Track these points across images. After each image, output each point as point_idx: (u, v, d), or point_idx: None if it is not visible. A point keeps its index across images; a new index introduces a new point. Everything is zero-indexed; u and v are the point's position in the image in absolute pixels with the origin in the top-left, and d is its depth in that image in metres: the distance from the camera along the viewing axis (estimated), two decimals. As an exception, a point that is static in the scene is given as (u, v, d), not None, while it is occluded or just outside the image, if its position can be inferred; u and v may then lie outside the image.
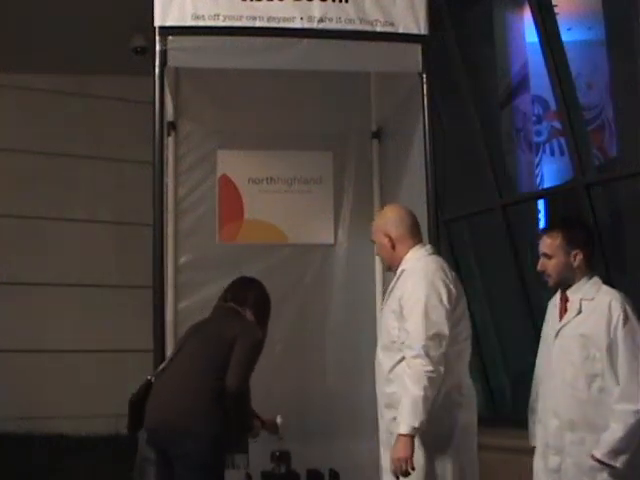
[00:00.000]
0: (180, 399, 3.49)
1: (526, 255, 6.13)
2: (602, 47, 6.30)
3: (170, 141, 4.42)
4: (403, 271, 3.51)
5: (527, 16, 6.51)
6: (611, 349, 3.18)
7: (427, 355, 3.24)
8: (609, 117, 6.51)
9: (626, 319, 3.19)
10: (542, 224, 6.73)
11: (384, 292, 4.49)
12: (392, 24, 3.92)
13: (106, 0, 6.90)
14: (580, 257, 3.33)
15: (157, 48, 3.77)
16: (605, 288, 3.33)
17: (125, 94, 8.49)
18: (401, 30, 3.93)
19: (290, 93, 4.53)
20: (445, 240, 6.74)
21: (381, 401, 3.50)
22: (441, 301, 3.34)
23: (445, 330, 3.31)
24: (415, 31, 3.95)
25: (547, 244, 3.39)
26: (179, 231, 4.47)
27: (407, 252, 3.53)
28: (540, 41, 5.90)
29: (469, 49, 6.80)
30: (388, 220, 3.59)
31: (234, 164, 4.56)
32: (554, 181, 7.10)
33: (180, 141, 4.52)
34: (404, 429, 3.19)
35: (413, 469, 3.20)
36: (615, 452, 3.12)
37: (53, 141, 8.55)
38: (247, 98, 4.54)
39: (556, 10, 5.97)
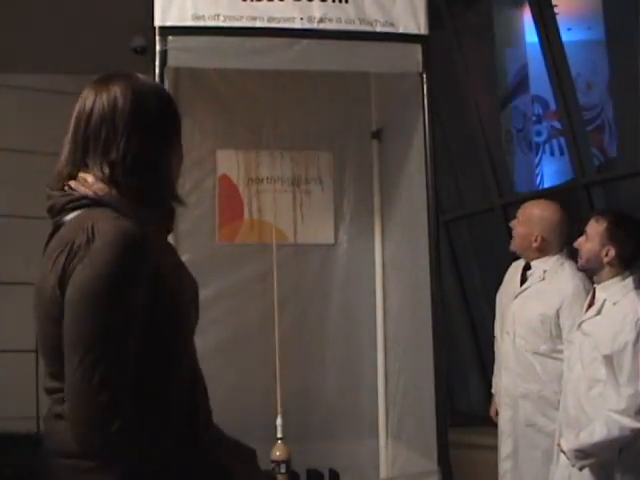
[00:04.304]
0: None
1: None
2: (602, 47, 6.30)
3: (170, 141, 4.41)
4: (545, 271, 3.77)
5: (527, 16, 6.51)
6: (612, 360, 3.05)
7: None
8: (609, 117, 6.50)
9: (637, 339, 3.03)
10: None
11: (384, 292, 4.52)
12: (392, 24, 3.92)
13: (106, 0, 6.90)
14: (612, 254, 3.18)
15: (157, 48, 3.75)
16: (630, 297, 3.15)
17: (125, 94, 8.48)
18: (401, 30, 3.93)
19: (290, 93, 4.53)
20: (445, 240, 6.74)
21: (515, 389, 3.73)
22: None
23: None
24: (415, 31, 3.94)
25: (591, 224, 3.30)
26: (179, 231, 4.46)
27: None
28: (540, 41, 5.89)
29: (469, 49, 6.80)
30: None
31: (234, 164, 4.56)
32: (554, 181, 7.10)
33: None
34: None
35: None
36: (583, 453, 3.03)
37: (53, 141, 8.39)
38: (247, 98, 4.53)
39: (556, 10, 5.96)
